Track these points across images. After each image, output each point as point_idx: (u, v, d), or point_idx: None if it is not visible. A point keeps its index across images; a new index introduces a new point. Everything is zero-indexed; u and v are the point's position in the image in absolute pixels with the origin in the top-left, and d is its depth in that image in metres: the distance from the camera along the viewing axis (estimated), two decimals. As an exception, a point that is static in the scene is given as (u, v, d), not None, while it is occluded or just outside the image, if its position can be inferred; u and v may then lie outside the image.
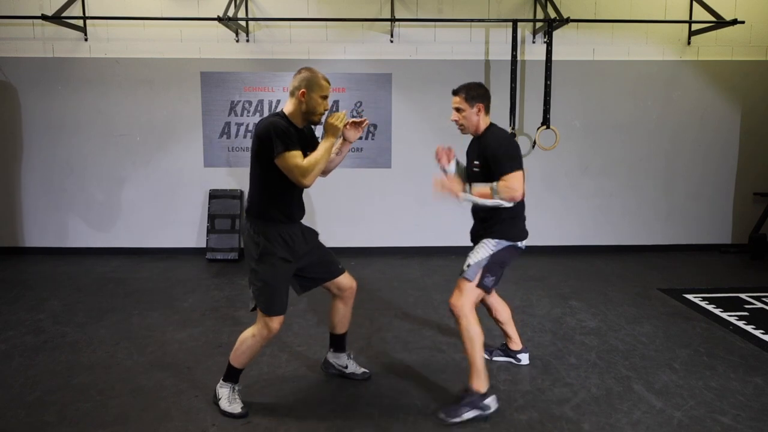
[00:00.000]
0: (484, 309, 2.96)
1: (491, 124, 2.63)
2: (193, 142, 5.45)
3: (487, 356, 2.95)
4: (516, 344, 3.00)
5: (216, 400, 2.56)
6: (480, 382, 2.48)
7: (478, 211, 2.66)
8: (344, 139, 2.62)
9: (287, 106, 2.44)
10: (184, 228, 5.55)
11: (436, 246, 5.61)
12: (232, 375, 2.54)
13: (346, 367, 2.85)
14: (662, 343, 3.31)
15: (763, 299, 4.08)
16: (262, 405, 2.58)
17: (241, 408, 2.50)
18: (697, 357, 3.10)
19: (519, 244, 2.60)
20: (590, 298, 4.15)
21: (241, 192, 5.51)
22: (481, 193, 2.48)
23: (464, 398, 2.47)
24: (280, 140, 2.27)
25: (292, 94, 2.42)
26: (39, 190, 5.46)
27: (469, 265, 2.55)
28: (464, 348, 2.51)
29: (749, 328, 3.51)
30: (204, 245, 5.47)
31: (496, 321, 2.99)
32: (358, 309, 3.40)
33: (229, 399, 2.52)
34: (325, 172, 2.66)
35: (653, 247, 5.69)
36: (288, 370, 2.95)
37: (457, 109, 2.59)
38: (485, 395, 2.47)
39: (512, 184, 2.41)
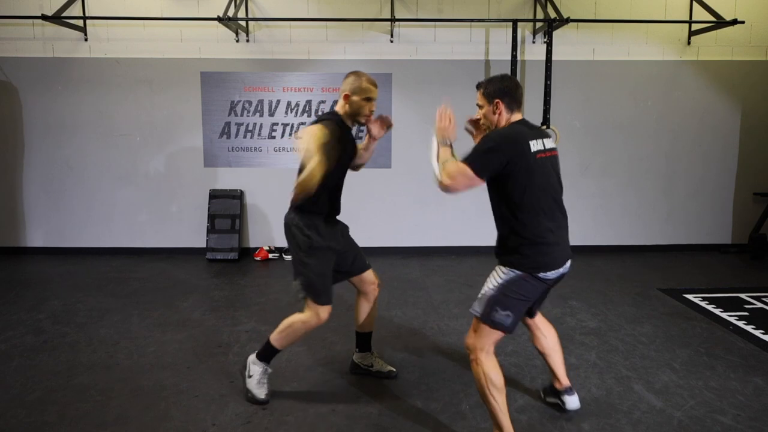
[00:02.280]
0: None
1: (513, 123, 2.18)
2: (193, 142, 5.45)
3: (542, 396, 2.66)
4: (559, 382, 2.51)
5: (246, 372, 2.62)
6: None
7: (497, 225, 2.24)
8: (369, 136, 2.65)
9: (338, 107, 2.53)
10: (184, 228, 5.55)
11: (436, 246, 5.61)
12: (268, 354, 2.59)
13: (372, 366, 2.87)
14: (662, 343, 3.31)
15: (763, 299, 4.08)
16: (261, 405, 2.58)
17: (266, 395, 2.59)
18: (697, 357, 3.10)
19: (540, 274, 2.11)
20: (590, 298, 4.15)
21: (241, 192, 5.50)
22: (443, 155, 2.20)
23: None
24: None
25: (341, 96, 2.50)
26: (39, 190, 5.46)
27: (479, 297, 2.19)
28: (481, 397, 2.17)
29: (749, 328, 3.51)
30: (204, 245, 5.47)
31: (537, 350, 2.54)
32: (358, 309, 3.41)
33: (259, 381, 2.59)
34: (355, 168, 2.74)
35: (653, 247, 5.69)
36: (287, 370, 2.95)
37: (479, 106, 2.25)
38: None
39: (453, 172, 2.08)
